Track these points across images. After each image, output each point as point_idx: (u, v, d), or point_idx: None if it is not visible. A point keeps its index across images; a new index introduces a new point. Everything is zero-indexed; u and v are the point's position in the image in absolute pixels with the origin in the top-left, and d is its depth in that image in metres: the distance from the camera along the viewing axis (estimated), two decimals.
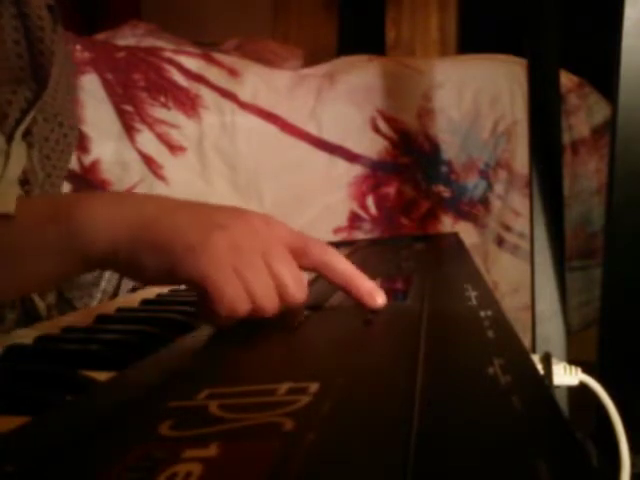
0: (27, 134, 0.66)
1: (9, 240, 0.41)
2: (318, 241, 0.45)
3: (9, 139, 0.64)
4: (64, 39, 0.76)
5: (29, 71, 0.69)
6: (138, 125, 1.68)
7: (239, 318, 0.39)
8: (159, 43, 1.86)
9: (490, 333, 0.33)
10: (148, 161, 1.67)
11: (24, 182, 0.66)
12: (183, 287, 0.63)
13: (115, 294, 0.72)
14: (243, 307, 0.39)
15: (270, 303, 0.40)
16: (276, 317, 0.41)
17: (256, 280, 0.40)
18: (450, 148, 1.72)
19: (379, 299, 0.43)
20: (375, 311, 0.42)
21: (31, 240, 0.41)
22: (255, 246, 0.41)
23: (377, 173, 1.71)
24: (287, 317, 0.42)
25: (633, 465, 0.55)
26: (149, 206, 0.42)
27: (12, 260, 0.41)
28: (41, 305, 0.65)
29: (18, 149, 0.65)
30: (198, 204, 0.44)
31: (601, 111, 1.72)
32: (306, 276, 0.46)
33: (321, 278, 0.46)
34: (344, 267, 0.45)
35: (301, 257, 0.43)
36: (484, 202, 1.71)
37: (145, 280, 0.44)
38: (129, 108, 1.69)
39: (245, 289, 0.40)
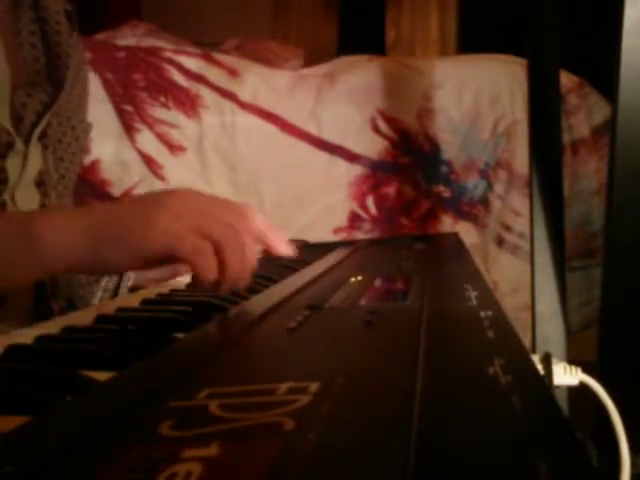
0: (42, 136, 0.67)
1: None
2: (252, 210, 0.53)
3: (26, 141, 0.65)
4: (80, 45, 0.77)
5: (45, 74, 0.70)
6: (138, 125, 1.68)
7: (213, 273, 0.46)
8: (159, 43, 1.86)
9: (490, 333, 0.33)
10: (148, 161, 1.67)
11: (39, 183, 0.67)
12: (183, 287, 0.64)
13: (116, 292, 0.73)
14: (211, 259, 0.46)
15: (233, 249, 0.47)
16: (275, 319, 0.42)
17: (210, 232, 0.47)
18: (450, 148, 1.72)
19: (283, 249, 0.53)
20: (375, 311, 0.42)
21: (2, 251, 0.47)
22: (195, 210, 0.49)
23: (377, 173, 1.71)
24: (286, 318, 0.42)
25: (633, 465, 0.55)
26: (99, 208, 0.49)
27: None
28: (55, 307, 0.67)
29: (34, 151, 0.66)
30: (129, 197, 0.52)
31: (601, 111, 1.72)
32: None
33: (321, 278, 0.47)
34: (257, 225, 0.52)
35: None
36: (484, 202, 1.71)
37: (116, 270, 0.53)
38: (129, 108, 1.69)
39: (206, 242, 0.46)
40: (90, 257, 0.47)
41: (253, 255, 0.49)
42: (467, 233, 1.64)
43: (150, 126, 1.69)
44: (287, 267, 0.69)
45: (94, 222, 0.48)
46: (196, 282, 0.47)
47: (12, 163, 0.63)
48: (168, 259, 0.48)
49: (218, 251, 0.46)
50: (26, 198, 0.65)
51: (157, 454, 0.20)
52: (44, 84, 0.69)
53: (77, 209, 0.53)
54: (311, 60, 2.12)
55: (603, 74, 0.91)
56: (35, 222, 0.47)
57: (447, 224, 1.71)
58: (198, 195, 0.52)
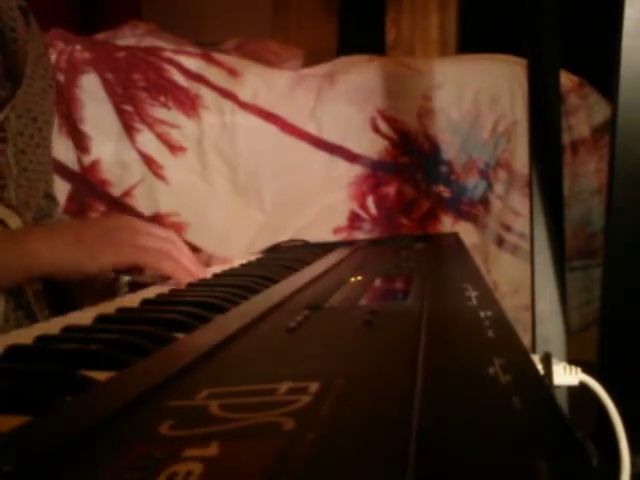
0: (0, 130, 0.68)
1: None
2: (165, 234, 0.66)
3: None
4: (39, 39, 0.78)
5: (2, 71, 0.70)
6: (138, 125, 1.68)
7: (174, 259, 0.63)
8: (159, 43, 1.86)
9: (490, 333, 0.33)
10: (148, 161, 1.67)
11: None
12: (183, 287, 0.64)
13: (112, 290, 0.73)
14: (163, 253, 0.63)
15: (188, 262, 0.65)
16: (275, 319, 0.42)
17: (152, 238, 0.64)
18: (450, 148, 1.72)
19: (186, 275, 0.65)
20: (375, 311, 0.42)
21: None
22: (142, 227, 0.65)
23: (377, 173, 1.71)
24: (286, 319, 0.42)
25: (633, 465, 0.55)
26: (76, 225, 0.66)
27: None
28: (29, 291, 0.70)
29: None
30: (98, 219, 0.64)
31: (601, 111, 1.72)
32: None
33: (321, 278, 0.48)
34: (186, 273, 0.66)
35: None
36: (484, 202, 1.71)
37: (86, 275, 0.63)
38: (129, 108, 1.69)
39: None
40: (69, 264, 0.60)
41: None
42: (467, 233, 1.64)
43: (150, 126, 1.69)
44: (287, 267, 0.69)
45: (72, 237, 0.61)
46: (175, 281, 0.63)
47: None
48: (134, 267, 0.64)
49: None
50: None
51: (157, 454, 0.20)
52: (2, 80, 0.70)
53: (58, 227, 0.68)
54: (311, 60, 2.12)
55: (603, 74, 0.91)
56: (20, 238, 0.62)
57: (447, 224, 1.71)
58: (133, 220, 0.67)
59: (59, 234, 0.62)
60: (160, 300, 0.57)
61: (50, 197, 0.87)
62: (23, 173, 0.72)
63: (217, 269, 0.76)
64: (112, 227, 0.64)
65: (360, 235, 1.67)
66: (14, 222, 0.70)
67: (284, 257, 0.82)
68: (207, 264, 0.80)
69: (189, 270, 0.64)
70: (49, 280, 0.66)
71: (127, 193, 1.66)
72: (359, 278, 0.59)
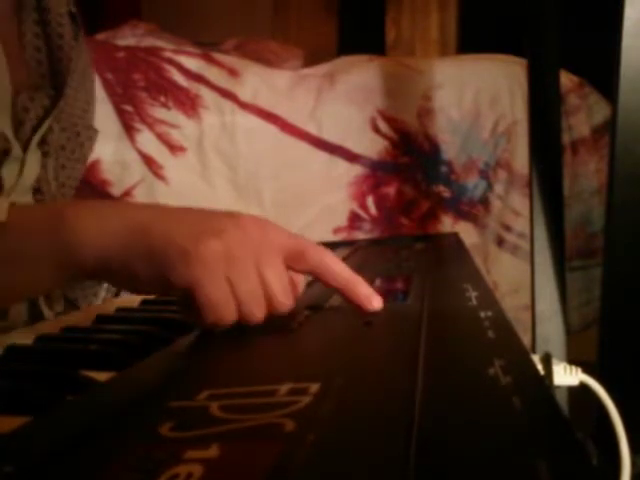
0: (43, 142, 0.65)
1: (1, 248, 0.41)
2: (315, 244, 0.45)
3: (25, 147, 0.63)
4: (86, 48, 0.75)
5: (48, 78, 0.68)
6: (138, 125, 1.68)
7: (225, 326, 0.40)
8: (159, 43, 1.86)
9: (490, 333, 0.33)
10: (148, 161, 1.67)
11: (37, 191, 0.66)
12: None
13: (117, 293, 0.72)
14: (229, 315, 0.40)
15: (257, 311, 0.40)
16: (275, 319, 0.42)
17: (245, 288, 0.40)
18: (450, 148, 1.72)
19: (375, 303, 0.43)
20: (375, 311, 0.42)
21: (23, 249, 0.41)
22: (248, 253, 0.41)
23: (377, 173, 1.71)
24: (286, 319, 0.42)
25: (633, 465, 0.55)
26: (140, 214, 0.42)
27: (3, 268, 0.41)
28: (50, 314, 0.64)
29: (33, 157, 0.64)
30: (192, 210, 0.43)
31: (601, 111, 1.72)
32: (304, 279, 0.47)
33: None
34: (341, 270, 0.45)
35: (298, 261, 0.43)
36: (484, 202, 1.71)
37: (137, 289, 0.44)
38: (129, 108, 1.69)
39: (234, 297, 0.40)
40: (118, 269, 0.41)
41: (278, 305, 0.42)
42: (467, 233, 1.64)
43: (150, 126, 1.69)
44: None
45: (134, 230, 0.41)
46: (196, 323, 0.41)
47: (8, 169, 0.61)
48: (183, 295, 0.41)
49: (239, 307, 0.40)
50: None
51: (158, 455, 0.20)
52: (47, 88, 0.68)
53: (112, 207, 0.45)
54: (311, 60, 2.11)
55: (603, 74, 0.91)
56: (65, 218, 0.42)
57: (447, 224, 1.71)
58: (249, 236, 0.42)
59: (119, 218, 0.42)
60: (160, 300, 0.57)
61: None
62: (61, 189, 0.69)
63: None
64: (211, 220, 0.42)
65: (360, 235, 1.67)
66: None
67: None
68: None
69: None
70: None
71: (127, 193, 1.66)
72: None
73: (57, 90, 0.68)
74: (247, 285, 0.40)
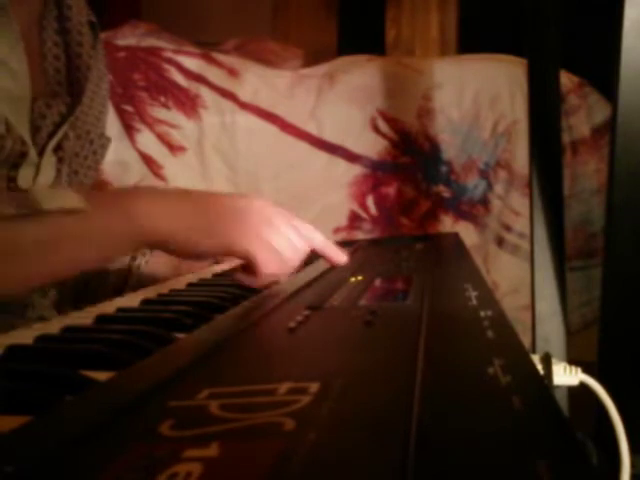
0: (58, 148, 0.67)
1: (79, 226, 0.50)
2: (297, 218, 0.60)
3: (40, 152, 0.65)
4: (103, 58, 0.76)
5: (65, 85, 0.70)
6: (138, 125, 1.68)
7: (275, 277, 0.56)
8: (159, 43, 1.86)
9: (490, 333, 0.33)
10: (148, 161, 1.67)
11: None
12: (183, 287, 0.64)
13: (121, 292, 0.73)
14: (278, 268, 0.56)
15: (293, 259, 0.57)
16: (275, 319, 0.42)
17: (284, 244, 0.56)
18: (450, 148, 1.72)
19: (342, 258, 0.63)
20: (375, 311, 0.42)
21: (103, 229, 0.51)
22: (281, 221, 0.57)
23: (377, 173, 1.71)
24: (286, 319, 0.42)
25: (633, 465, 0.55)
26: (199, 198, 0.55)
27: (85, 246, 0.51)
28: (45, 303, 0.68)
29: (48, 163, 0.66)
30: (234, 194, 0.58)
31: (601, 111, 1.72)
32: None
33: (321, 278, 0.53)
34: (319, 238, 0.61)
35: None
36: (484, 202, 1.71)
37: (198, 256, 0.57)
38: (129, 108, 1.69)
39: (277, 252, 0.56)
40: (182, 243, 0.53)
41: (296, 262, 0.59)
42: (467, 233, 1.64)
43: (150, 126, 1.69)
44: None
45: (193, 208, 0.54)
46: (246, 283, 0.57)
47: (24, 174, 0.63)
48: (241, 258, 0.56)
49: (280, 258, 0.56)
50: None
51: (157, 454, 0.20)
52: (64, 96, 0.69)
53: (177, 193, 0.58)
54: (311, 60, 2.12)
55: (603, 74, 0.91)
56: (137, 201, 0.52)
57: (447, 224, 1.71)
58: (271, 207, 0.58)
59: (175, 202, 0.54)
60: (160, 300, 0.57)
61: None
62: None
63: (218, 269, 0.76)
64: (243, 209, 0.56)
65: (360, 235, 1.67)
66: None
67: None
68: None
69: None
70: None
71: None
72: (359, 278, 0.59)
73: (73, 97, 0.70)
74: (284, 242, 0.56)
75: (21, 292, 0.57)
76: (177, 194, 0.56)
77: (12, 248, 0.48)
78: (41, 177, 0.65)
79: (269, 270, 0.56)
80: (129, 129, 1.68)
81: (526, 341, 1.15)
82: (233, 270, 0.59)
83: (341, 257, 0.63)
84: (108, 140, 0.76)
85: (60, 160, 0.67)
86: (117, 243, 0.52)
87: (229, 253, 0.55)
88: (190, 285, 0.65)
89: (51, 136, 0.65)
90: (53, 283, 0.67)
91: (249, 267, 0.56)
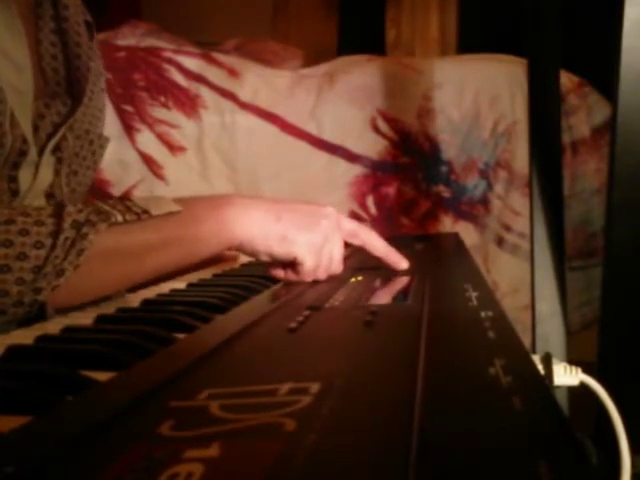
0: (57, 149, 0.67)
1: (181, 231, 0.56)
2: (365, 228, 0.66)
3: (40, 153, 0.64)
4: (99, 57, 0.76)
5: (64, 86, 0.69)
6: (138, 125, 1.68)
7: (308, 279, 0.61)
8: (159, 43, 1.86)
9: (491, 333, 0.33)
10: (148, 161, 1.67)
11: (49, 196, 0.67)
12: (183, 287, 0.64)
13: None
14: (315, 276, 0.61)
15: (325, 272, 0.61)
16: (275, 319, 0.42)
17: (327, 258, 0.61)
18: (450, 148, 1.72)
19: (403, 264, 0.66)
20: (375, 311, 0.42)
21: (196, 233, 0.56)
22: (334, 236, 0.62)
23: (377, 173, 1.71)
24: (286, 319, 0.42)
25: (633, 465, 0.55)
26: (275, 207, 0.60)
27: (180, 247, 0.56)
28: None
29: (47, 163, 0.66)
30: (300, 203, 0.63)
31: (601, 111, 1.72)
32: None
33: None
34: (381, 244, 0.66)
35: (354, 238, 0.65)
36: (484, 202, 1.71)
37: (269, 256, 0.60)
38: (129, 108, 1.69)
39: (327, 263, 0.61)
40: (260, 246, 0.59)
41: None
42: (467, 233, 1.64)
43: (150, 126, 1.69)
44: None
45: (272, 216, 0.60)
46: (281, 277, 0.62)
47: (24, 173, 0.63)
48: (286, 260, 0.61)
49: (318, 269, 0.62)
50: None
51: (157, 455, 0.20)
52: (63, 96, 0.69)
53: (254, 201, 0.63)
54: (311, 60, 2.12)
55: (603, 74, 0.91)
56: (224, 209, 0.58)
57: (447, 224, 1.71)
58: (334, 223, 0.63)
59: (260, 210, 0.60)
60: (160, 300, 0.57)
61: None
62: (72, 195, 0.71)
63: (219, 270, 0.76)
64: (314, 214, 0.62)
65: None
66: None
67: None
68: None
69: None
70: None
71: (127, 193, 1.66)
72: (359, 278, 0.59)
73: (73, 98, 0.69)
74: (328, 256, 0.61)
75: (127, 289, 0.61)
76: (265, 203, 0.62)
77: (125, 251, 0.53)
78: (40, 177, 0.64)
79: (312, 275, 0.61)
80: (129, 129, 1.68)
81: (526, 341, 1.15)
82: (267, 264, 0.63)
83: (403, 263, 0.66)
84: (107, 140, 0.76)
85: (59, 161, 0.67)
86: (211, 245, 0.58)
87: (291, 257, 0.60)
88: (190, 285, 0.65)
89: (50, 137, 0.65)
90: None
91: (291, 265, 0.61)
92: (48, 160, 0.66)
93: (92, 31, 0.74)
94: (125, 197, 0.58)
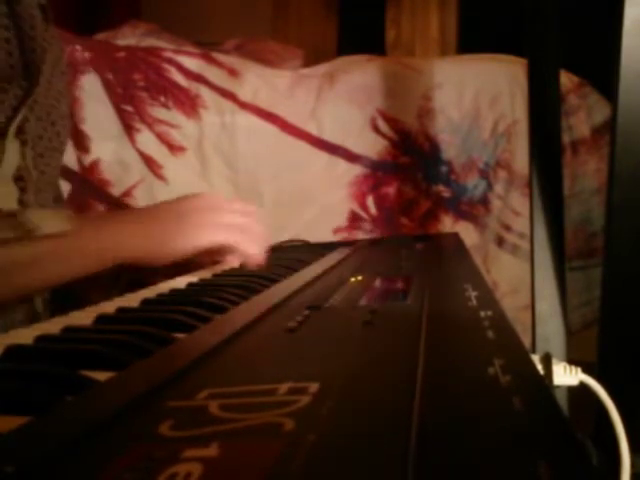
0: (20, 132, 0.67)
1: (60, 248, 0.57)
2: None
3: (1, 136, 0.65)
4: (57, 40, 0.77)
5: (19, 69, 0.69)
6: (138, 125, 1.68)
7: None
8: (159, 43, 1.86)
9: (490, 333, 0.33)
10: (148, 161, 1.67)
11: (18, 179, 0.67)
12: (183, 287, 0.64)
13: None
14: (253, 243, 0.67)
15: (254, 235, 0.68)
16: (275, 319, 0.42)
17: (245, 225, 0.68)
18: (450, 148, 1.72)
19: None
20: (375, 311, 0.42)
21: (77, 249, 0.58)
22: (224, 206, 0.67)
23: (377, 173, 1.71)
24: (286, 318, 0.42)
25: (633, 465, 0.55)
26: (158, 211, 0.64)
27: (58, 263, 0.58)
28: (38, 300, 0.69)
29: (11, 147, 0.66)
30: (179, 198, 0.67)
31: (601, 111, 1.72)
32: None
33: (321, 278, 0.54)
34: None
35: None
36: (484, 202, 1.71)
37: (175, 257, 0.63)
38: (129, 108, 1.69)
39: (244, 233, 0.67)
40: (146, 251, 0.61)
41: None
42: (467, 233, 1.64)
43: (150, 126, 1.69)
44: (287, 267, 0.69)
45: (146, 223, 0.63)
46: (246, 260, 0.66)
47: None
48: (215, 247, 0.64)
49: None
50: (4, 193, 0.65)
51: (157, 454, 0.20)
52: (19, 79, 0.69)
53: (132, 214, 0.69)
54: (311, 60, 2.12)
55: (603, 74, 0.91)
56: (105, 226, 0.62)
57: (447, 224, 1.71)
58: (213, 197, 0.68)
59: (134, 221, 0.63)
60: (160, 300, 0.57)
61: (61, 200, 0.87)
62: (41, 177, 0.71)
63: (218, 270, 0.76)
64: (190, 209, 0.65)
65: (360, 235, 1.67)
66: None
67: (284, 257, 0.82)
68: None
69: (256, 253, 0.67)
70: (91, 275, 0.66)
71: (127, 193, 1.66)
72: (359, 278, 0.59)
73: (30, 80, 0.70)
74: (240, 219, 0.67)
75: (13, 302, 0.63)
76: (139, 212, 0.66)
77: (5, 267, 0.56)
78: (6, 162, 0.65)
79: (248, 247, 0.65)
80: (129, 129, 1.68)
81: (526, 341, 1.15)
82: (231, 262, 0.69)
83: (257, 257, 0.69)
84: (69, 121, 0.79)
85: (23, 143, 0.68)
86: (89, 263, 0.60)
87: (203, 247, 0.64)
88: (190, 285, 0.65)
89: (10, 120, 0.66)
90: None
91: (232, 252, 0.66)
92: (12, 144, 0.66)
93: (47, 14, 0.75)
94: (19, 210, 0.63)
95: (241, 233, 0.66)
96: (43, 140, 0.72)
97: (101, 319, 0.48)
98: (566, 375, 0.57)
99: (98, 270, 0.63)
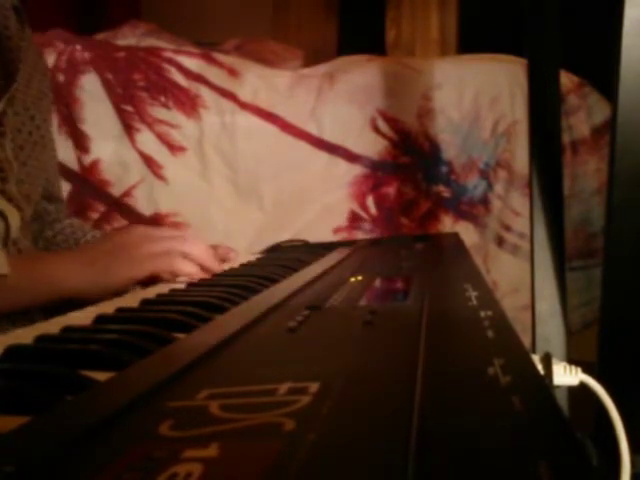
0: None
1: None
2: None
3: None
4: (33, 43, 0.79)
5: None
6: (138, 125, 1.68)
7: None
8: (159, 43, 1.86)
9: (490, 333, 0.33)
10: (148, 161, 1.67)
11: None
12: (183, 286, 0.64)
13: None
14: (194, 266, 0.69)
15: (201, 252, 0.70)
16: (274, 319, 0.42)
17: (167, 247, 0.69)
18: (450, 148, 1.72)
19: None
20: (375, 311, 0.42)
21: (10, 285, 0.61)
22: (158, 236, 0.70)
23: (377, 173, 1.71)
24: (286, 319, 0.42)
25: (633, 465, 0.55)
26: (91, 248, 0.70)
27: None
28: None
29: None
30: (114, 230, 0.73)
31: (601, 111, 1.72)
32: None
33: (321, 278, 0.53)
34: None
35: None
36: (484, 202, 1.71)
37: (114, 290, 0.65)
38: (129, 108, 1.69)
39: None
40: (87, 286, 0.64)
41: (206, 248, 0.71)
42: (467, 233, 1.64)
43: (150, 126, 1.69)
44: (287, 267, 0.69)
45: (86, 259, 0.66)
46: (190, 277, 0.66)
47: None
48: (154, 276, 0.67)
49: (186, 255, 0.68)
50: None
51: (157, 454, 0.20)
52: None
53: (74, 251, 0.72)
54: (311, 60, 2.12)
55: (603, 74, 0.91)
56: (46, 265, 0.65)
57: (447, 224, 1.71)
58: (145, 229, 0.72)
59: (75, 258, 0.66)
60: (160, 300, 0.57)
61: (58, 200, 0.88)
62: (23, 168, 0.73)
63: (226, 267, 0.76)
64: (125, 242, 0.68)
65: (360, 235, 1.67)
66: (14, 216, 0.70)
67: (284, 257, 0.82)
68: (224, 259, 0.82)
69: (204, 264, 0.69)
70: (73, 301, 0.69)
71: (127, 193, 1.66)
72: (359, 278, 0.59)
73: (7, 78, 0.72)
74: (174, 244, 0.69)
75: None
76: (74, 252, 0.70)
77: None
78: None
79: (186, 267, 0.67)
80: (129, 129, 1.68)
81: (526, 341, 1.15)
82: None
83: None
84: (50, 116, 0.81)
85: (2, 135, 0.70)
86: (24, 297, 0.64)
87: (140, 279, 0.67)
88: (190, 285, 0.65)
89: None
90: None
91: (174, 277, 0.67)
92: None
93: (22, 16, 0.77)
94: None
95: (178, 256, 0.68)
96: (22, 133, 0.74)
97: (100, 319, 0.48)
98: (566, 375, 0.57)
99: (33, 305, 0.66)
